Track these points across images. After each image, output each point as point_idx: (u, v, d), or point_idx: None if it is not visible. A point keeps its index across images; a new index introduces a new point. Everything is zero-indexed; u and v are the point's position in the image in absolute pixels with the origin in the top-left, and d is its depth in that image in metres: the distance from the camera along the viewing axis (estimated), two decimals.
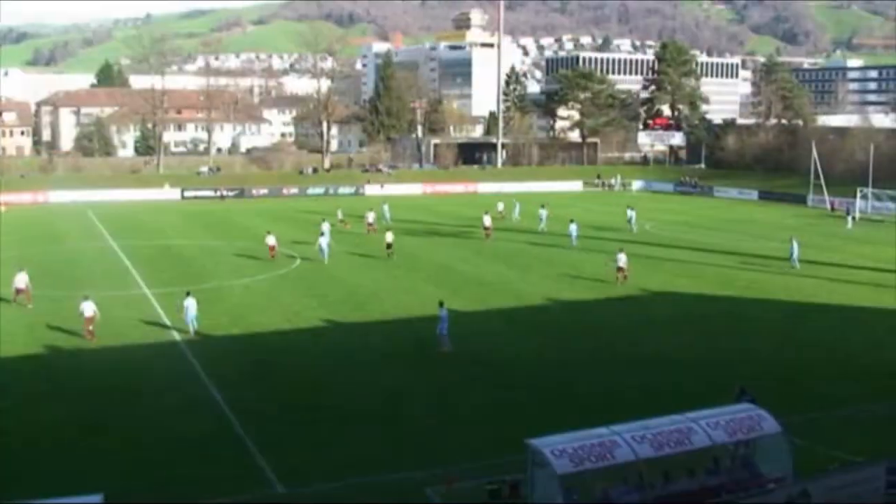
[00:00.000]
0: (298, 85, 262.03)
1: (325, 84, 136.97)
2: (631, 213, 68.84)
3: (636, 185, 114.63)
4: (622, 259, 46.50)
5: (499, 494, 19.82)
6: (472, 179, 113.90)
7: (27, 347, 34.15)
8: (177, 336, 35.83)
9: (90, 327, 35.24)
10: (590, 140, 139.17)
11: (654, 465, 18.97)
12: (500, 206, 75.11)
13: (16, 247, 61.31)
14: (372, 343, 35.06)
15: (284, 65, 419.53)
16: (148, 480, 21.85)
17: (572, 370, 31.30)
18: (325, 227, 57.75)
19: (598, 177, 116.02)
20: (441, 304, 34.26)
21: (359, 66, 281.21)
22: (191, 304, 36.34)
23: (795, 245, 51.48)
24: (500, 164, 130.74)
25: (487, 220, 63.80)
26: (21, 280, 42.09)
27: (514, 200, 77.07)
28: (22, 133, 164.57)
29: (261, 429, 25.23)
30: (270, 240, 54.28)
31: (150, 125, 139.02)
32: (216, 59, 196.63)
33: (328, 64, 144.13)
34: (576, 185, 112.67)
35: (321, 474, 22.26)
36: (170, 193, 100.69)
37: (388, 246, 55.23)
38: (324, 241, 53.61)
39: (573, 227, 59.63)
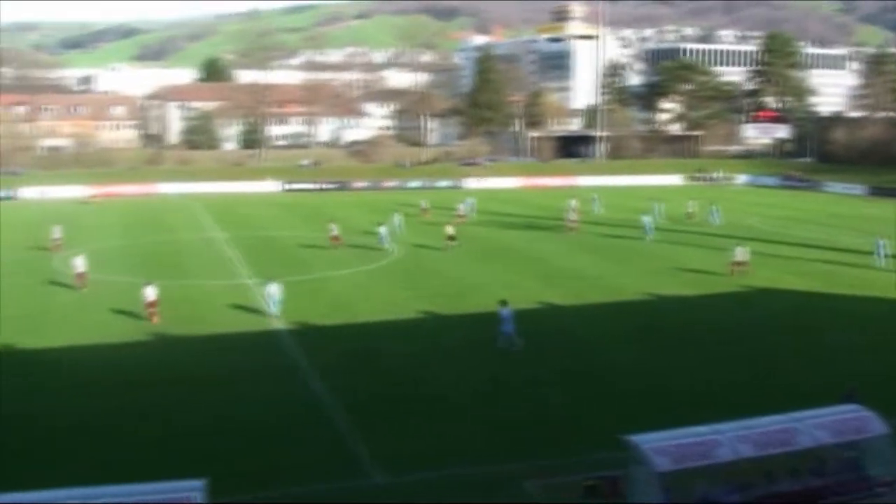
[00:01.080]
0: (398, 79, 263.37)
1: (424, 78, 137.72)
2: (713, 209, 68.19)
3: (740, 179, 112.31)
4: (740, 253, 46.45)
5: (596, 491, 19.64)
6: (570, 173, 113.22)
7: (133, 334, 35.16)
8: (278, 325, 36.46)
9: (153, 310, 36.84)
10: (692, 133, 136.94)
11: (756, 465, 18.57)
12: (573, 204, 74.59)
13: (122, 236, 63.35)
14: (468, 335, 35.10)
15: (384, 59, 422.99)
16: (246, 466, 22.25)
17: (671, 366, 30.80)
18: (396, 218, 62.01)
19: (699, 170, 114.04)
20: (503, 303, 33.88)
21: (458, 59, 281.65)
22: (275, 289, 37.74)
23: (882, 243, 50.16)
24: (599, 158, 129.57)
25: (573, 214, 64.02)
26: (79, 264, 43.57)
27: (594, 195, 76.53)
28: (130, 127, 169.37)
29: (358, 417, 25.48)
30: (333, 229, 56.20)
31: (253, 119, 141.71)
32: (318, 53, 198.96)
33: (427, 58, 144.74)
34: (677, 179, 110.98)
35: (418, 464, 22.37)
36: (272, 186, 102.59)
37: (451, 238, 55.69)
38: (384, 230, 55.88)
39: (647, 220, 60.31)
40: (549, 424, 25.23)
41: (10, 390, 28.12)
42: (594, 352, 32.67)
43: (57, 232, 56.95)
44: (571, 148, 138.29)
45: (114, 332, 35.24)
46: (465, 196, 78.51)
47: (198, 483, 15.89)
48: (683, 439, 18.25)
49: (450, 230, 56.49)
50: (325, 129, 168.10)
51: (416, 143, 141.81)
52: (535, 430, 24.71)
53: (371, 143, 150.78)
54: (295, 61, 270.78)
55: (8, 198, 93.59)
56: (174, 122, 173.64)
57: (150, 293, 37.13)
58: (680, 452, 17.76)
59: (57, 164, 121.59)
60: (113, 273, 47.83)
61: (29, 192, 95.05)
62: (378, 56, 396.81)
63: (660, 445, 17.92)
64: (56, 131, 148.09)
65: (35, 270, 48.80)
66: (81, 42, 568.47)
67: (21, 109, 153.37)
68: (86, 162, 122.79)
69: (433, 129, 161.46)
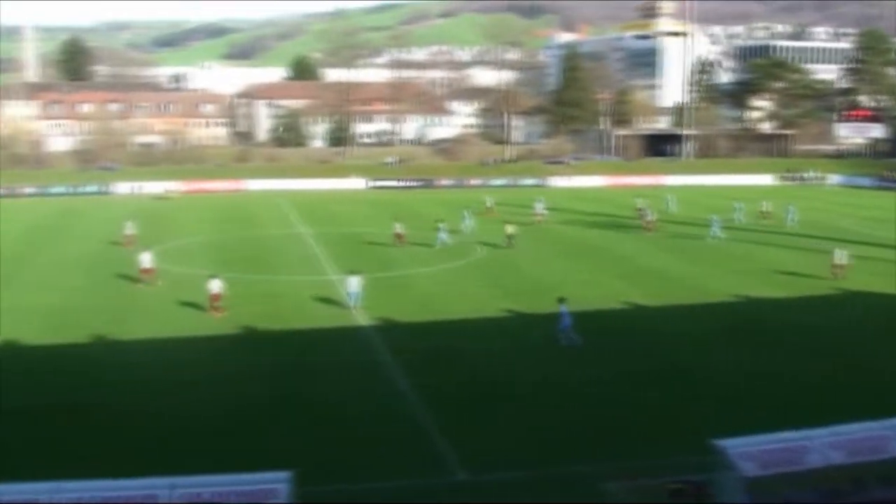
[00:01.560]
0: (483, 77, 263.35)
1: (509, 76, 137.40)
2: (791, 208, 66.95)
3: (833, 179, 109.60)
4: (839, 255, 45.63)
5: (681, 495, 19.36)
6: (657, 172, 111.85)
7: (221, 328, 35.81)
8: (364, 321, 36.76)
9: (216, 303, 37.49)
10: (783, 132, 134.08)
11: (846, 472, 18.08)
12: (640, 203, 73.70)
13: (211, 231, 64.61)
14: (551, 334, 34.84)
15: (469, 57, 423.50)
16: (330, 460, 22.48)
17: (760, 369, 30.16)
18: (467, 216, 62.86)
19: (790, 170, 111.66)
20: (562, 300, 33.94)
21: (543, 57, 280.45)
22: (354, 281, 38.59)
23: None
24: (687, 156, 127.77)
25: (649, 214, 63.15)
26: (146, 260, 44.38)
27: (667, 195, 75.40)
28: (220, 124, 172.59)
29: (442, 414, 25.55)
30: (397, 228, 56.62)
31: (340, 117, 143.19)
32: (404, 52, 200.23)
33: (512, 56, 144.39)
34: (767, 179, 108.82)
35: (501, 463, 22.34)
36: (357, 183, 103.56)
37: (510, 237, 56.06)
38: (442, 236, 55.91)
39: (715, 220, 59.55)
40: (633, 425, 24.95)
41: (96, 381, 28.91)
42: (680, 353, 32.20)
43: (129, 228, 58.21)
44: (659, 146, 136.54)
45: (200, 326, 35.94)
46: (538, 195, 77.99)
47: (283, 474, 16.08)
48: (771, 444, 17.88)
49: (509, 229, 56.61)
50: (410, 127, 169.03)
51: (501, 142, 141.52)
52: (618, 431, 24.48)
53: (456, 141, 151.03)
54: (380, 60, 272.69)
55: (102, 192, 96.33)
56: (263, 120, 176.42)
57: (215, 286, 37.73)
58: (767, 458, 17.41)
59: (149, 161, 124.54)
60: (199, 268, 48.78)
61: (122, 188, 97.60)
62: (463, 54, 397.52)
63: (747, 450, 17.58)
64: (148, 128, 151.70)
65: (118, 264, 50.10)
66: (173, 41, 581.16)
67: (115, 107, 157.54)
68: (177, 158, 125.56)
69: (518, 128, 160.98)
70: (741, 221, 66.46)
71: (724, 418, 24.60)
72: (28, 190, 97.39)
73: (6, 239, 61.23)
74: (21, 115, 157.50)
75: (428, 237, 57.87)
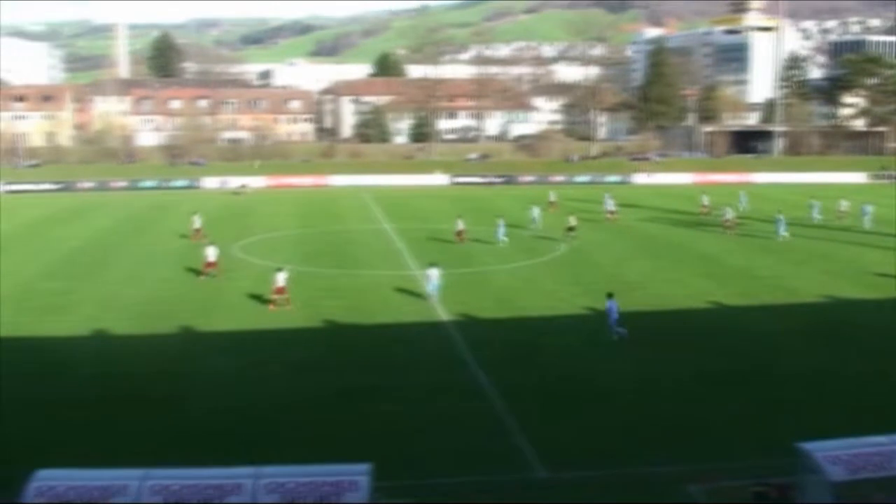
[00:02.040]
0: (567, 73, 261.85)
1: (594, 71, 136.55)
2: (867, 208, 65.02)
3: None
4: None
5: (765, 498, 19.04)
6: (745, 169, 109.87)
7: (305, 321, 36.33)
8: (444, 316, 36.93)
9: (278, 297, 37.99)
10: (877, 129, 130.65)
11: None
12: (706, 200, 72.31)
13: (295, 226, 65.57)
14: (633, 332, 34.57)
15: (554, 53, 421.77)
16: (407, 453, 22.62)
17: (850, 372, 29.44)
18: (535, 211, 62.87)
19: (883, 168, 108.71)
20: (610, 296, 33.84)
21: (629, 52, 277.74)
22: (433, 273, 39.10)
23: None
24: (776, 153, 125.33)
25: (729, 213, 61.82)
26: (211, 254, 45.05)
27: (741, 192, 73.68)
28: (306, 120, 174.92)
29: (521, 411, 25.52)
30: (460, 224, 56.35)
31: (423, 113, 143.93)
32: (487, 48, 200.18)
33: (598, 51, 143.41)
34: (859, 177, 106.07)
35: (581, 461, 22.24)
36: (440, 179, 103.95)
37: (570, 229, 57.48)
38: (500, 232, 55.73)
39: (780, 218, 58.08)
40: (714, 426, 24.60)
41: (182, 373, 29.60)
42: (764, 353, 31.62)
43: (196, 222, 59.25)
44: (747, 143, 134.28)
45: (282, 319, 36.48)
46: (607, 192, 76.98)
47: (364, 466, 16.26)
48: (860, 448, 17.45)
49: (571, 221, 58.11)
50: (494, 123, 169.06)
51: (585, 138, 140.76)
52: (698, 432, 24.15)
53: (539, 138, 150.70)
54: (464, 56, 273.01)
55: (191, 187, 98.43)
56: (347, 116, 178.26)
57: (280, 279, 38.22)
58: (856, 462, 17.00)
59: (236, 156, 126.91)
60: (283, 262, 49.52)
61: (210, 182, 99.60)
62: (547, 50, 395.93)
63: (834, 454, 17.19)
64: (236, 124, 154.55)
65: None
66: (260, 38, 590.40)
67: (203, 103, 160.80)
68: (263, 154, 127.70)
69: (602, 124, 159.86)
70: (818, 220, 64.83)
71: (809, 421, 24.10)
72: (119, 184, 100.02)
73: (98, 231, 63.08)
74: (113, 110, 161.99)
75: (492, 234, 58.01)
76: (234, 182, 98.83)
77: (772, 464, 20.26)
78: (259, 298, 40.09)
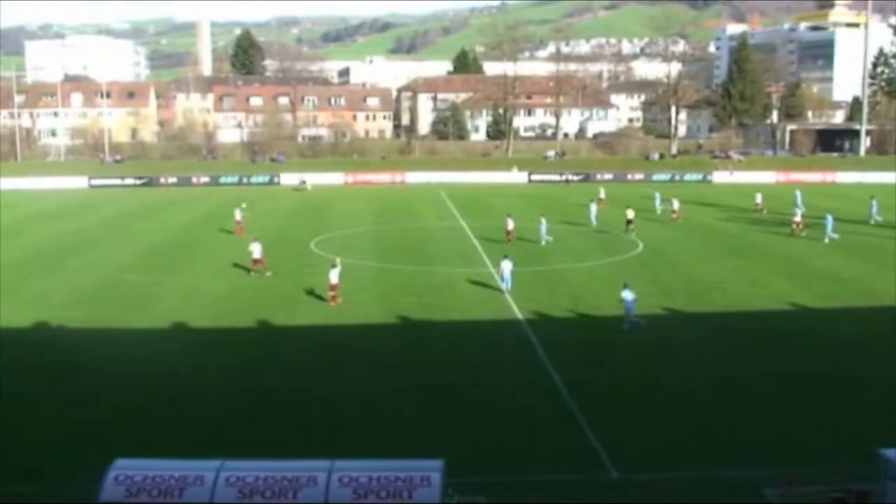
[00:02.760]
0: (648, 69, 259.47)
1: (675, 68, 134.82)
2: (872, 202, 63.78)
3: None
4: None
5: (844, 503, 18.71)
6: (830, 168, 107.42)
7: (381, 317, 36.67)
8: (518, 314, 36.93)
9: (333, 293, 38.17)
10: None
11: None
12: (759, 198, 70.74)
13: (372, 222, 66.12)
14: (710, 334, 34.22)
15: (634, 49, 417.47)
16: (483, 450, 22.73)
17: None
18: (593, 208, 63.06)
19: None
20: (625, 286, 34.91)
21: (712, 48, 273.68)
22: (506, 265, 40.17)
23: None
24: (863, 153, 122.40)
25: (797, 215, 59.68)
26: (256, 250, 45.21)
27: (796, 190, 71.18)
28: (384, 117, 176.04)
29: (595, 411, 25.43)
30: (510, 224, 55.18)
31: (501, 110, 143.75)
32: (566, 44, 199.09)
33: (679, 47, 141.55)
34: None
35: (654, 463, 22.10)
36: (517, 177, 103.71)
37: (629, 222, 58.75)
38: (543, 230, 55.04)
39: (829, 219, 56.43)
40: (793, 429, 24.22)
41: (264, 365, 30.13)
42: (847, 357, 30.97)
43: (238, 214, 60.47)
44: (832, 142, 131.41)
45: (359, 314, 36.85)
46: (661, 191, 75.57)
47: (437, 462, 16.40)
48: None
49: (630, 214, 59.24)
50: (572, 120, 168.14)
51: (665, 136, 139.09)
52: (777, 435, 23.79)
53: (617, 135, 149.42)
54: (543, 53, 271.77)
55: (271, 183, 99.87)
56: (425, 113, 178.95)
57: (333, 276, 38.23)
58: None
59: (315, 153, 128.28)
60: (359, 258, 50.07)
61: (289, 179, 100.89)
62: (627, 46, 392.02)
63: None
64: (315, 121, 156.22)
65: (283, 252, 51.94)
66: (340, 36, 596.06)
67: (284, 100, 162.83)
68: (342, 151, 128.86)
69: (683, 121, 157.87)
70: (878, 221, 63.10)
71: (891, 426, 23.56)
72: (201, 179, 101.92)
73: (180, 226, 64.40)
74: (195, 107, 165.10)
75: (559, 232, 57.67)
76: (313, 179, 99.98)
77: (852, 469, 19.93)
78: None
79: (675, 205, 66.43)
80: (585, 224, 62.08)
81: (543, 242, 54.28)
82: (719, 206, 74.92)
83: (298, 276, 44.79)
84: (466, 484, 19.26)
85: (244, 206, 63.46)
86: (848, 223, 61.12)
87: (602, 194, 77.05)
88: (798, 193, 71.86)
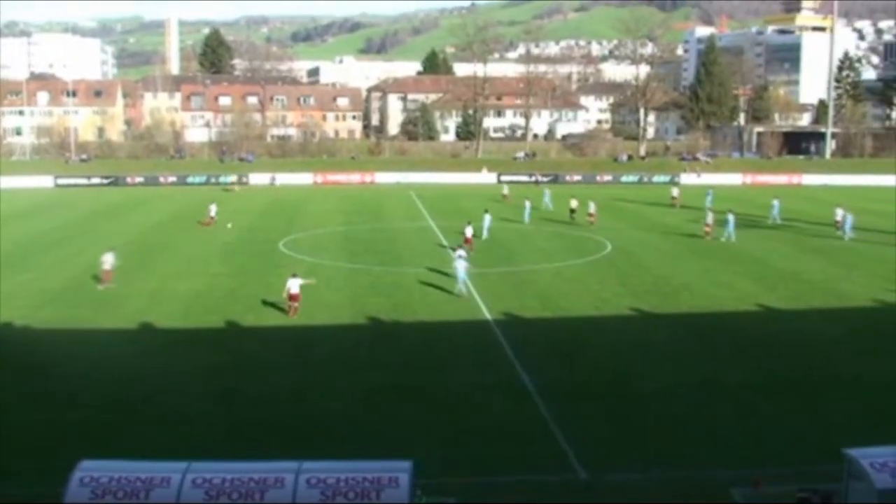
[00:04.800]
0: (617, 71, 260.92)
1: (644, 70, 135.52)
2: (774, 203, 66.39)
3: None
4: None
5: (808, 503, 18.84)
6: (797, 170, 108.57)
7: (351, 318, 36.57)
8: (487, 315, 36.96)
9: (292, 304, 36.06)
10: None
11: None
12: (675, 192, 76.10)
13: (342, 223, 65.96)
14: (678, 335, 34.41)
15: (604, 51, 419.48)
16: (451, 451, 22.71)
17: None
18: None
19: None
20: (456, 249, 41.36)
21: (680, 51, 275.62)
22: (461, 263, 40.74)
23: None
24: (828, 155, 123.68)
25: (709, 218, 58.85)
26: (108, 261, 42.47)
27: (774, 200, 71.19)
28: (353, 117, 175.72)
29: (564, 412, 25.46)
30: (468, 231, 52.88)
31: (471, 111, 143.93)
32: (536, 46, 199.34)
33: (648, 49, 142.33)
34: None
35: (624, 464, 22.14)
36: (487, 177, 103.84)
37: (572, 211, 64.32)
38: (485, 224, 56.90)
39: (847, 217, 57.36)
40: (762, 430, 24.35)
41: (235, 365, 29.95)
42: (815, 359, 31.25)
43: (213, 210, 63.32)
44: (798, 144, 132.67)
45: (327, 315, 36.71)
46: (546, 189, 75.94)
47: (406, 463, 16.35)
48: None
49: (573, 203, 64.46)
50: (541, 121, 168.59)
51: (633, 137, 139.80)
52: (745, 436, 23.94)
53: (586, 137, 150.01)
54: (513, 54, 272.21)
55: (240, 183, 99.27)
56: (395, 114, 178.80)
57: (294, 286, 36.27)
58: None
59: (284, 153, 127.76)
60: (329, 258, 49.95)
61: (258, 178, 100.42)
62: (596, 48, 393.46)
63: (882, 461, 16.96)
64: (285, 121, 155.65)
65: (252, 252, 51.73)
66: (310, 35, 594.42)
67: (253, 100, 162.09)
68: (311, 150, 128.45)
69: (651, 123, 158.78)
70: (776, 222, 64.80)
71: (857, 427, 23.79)
72: (168, 179, 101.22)
73: (148, 226, 63.89)
74: (163, 106, 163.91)
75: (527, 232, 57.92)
76: (282, 179, 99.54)
77: (818, 470, 20.07)
78: (304, 294, 40.34)
79: (592, 208, 64.61)
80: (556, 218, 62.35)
81: (485, 236, 55.49)
82: (688, 207, 75.37)
83: (266, 277, 44.57)
84: (435, 485, 19.23)
85: (214, 203, 64.23)
86: (814, 225, 61.75)
87: (506, 190, 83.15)
88: (710, 194, 72.86)
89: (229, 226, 61.35)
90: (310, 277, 38.39)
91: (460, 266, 40.42)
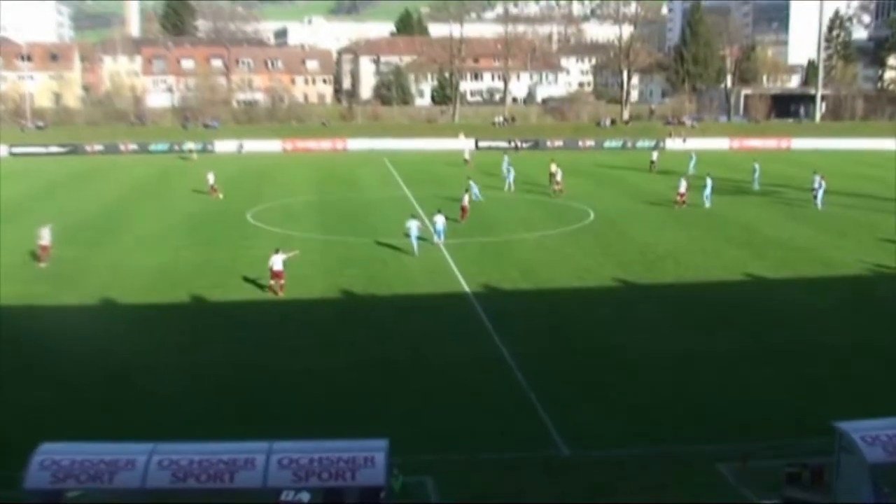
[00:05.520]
0: (599, 31, 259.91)
1: (627, 30, 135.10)
2: (755, 166, 66.85)
3: None
4: None
5: (798, 479, 19.03)
6: (785, 134, 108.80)
7: (324, 291, 36.52)
8: (466, 287, 36.99)
9: (280, 281, 35.36)
10: None
11: None
12: (655, 156, 76.52)
13: (313, 192, 65.69)
14: (663, 306, 34.57)
15: (585, 10, 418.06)
16: (428, 429, 22.82)
17: (889, 350, 29.32)
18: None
19: None
20: (413, 216, 44.18)
21: (665, 10, 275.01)
22: (439, 218, 43.72)
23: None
24: (818, 119, 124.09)
25: (683, 187, 58.21)
26: (45, 236, 41.92)
27: (755, 163, 71.14)
28: (324, 81, 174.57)
29: (546, 387, 25.60)
30: (465, 199, 52.56)
31: (447, 74, 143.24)
32: (515, 5, 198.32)
33: (631, 9, 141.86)
34: None
35: (607, 439, 22.31)
36: (464, 143, 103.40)
37: (552, 175, 63.88)
38: (473, 192, 56.61)
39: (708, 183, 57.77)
40: (750, 404, 24.57)
41: (206, 339, 29.86)
42: (804, 329, 31.50)
43: (211, 178, 62.64)
44: (787, 107, 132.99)
45: (298, 289, 36.58)
46: (554, 158, 73.70)
47: (381, 442, 16.36)
48: None
49: (553, 167, 64.23)
50: (521, 84, 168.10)
51: (616, 101, 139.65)
52: (732, 410, 24.15)
53: (568, 100, 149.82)
54: (490, 14, 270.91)
55: (205, 150, 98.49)
56: (367, 77, 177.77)
57: (276, 262, 35.53)
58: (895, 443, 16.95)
59: (251, 118, 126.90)
60: (301, 230, 49.78)
61: (224, 146, 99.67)
62: (577, 7, 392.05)
63: (873, 434, 17.12)
64: (251, 85, 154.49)
65: (219, 225, 51.50)
66: None
67: (217, 63, 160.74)
68: (279, 116, 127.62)
69: (635, 86, 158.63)
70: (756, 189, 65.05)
71: (847, 400, 24.04)
72: (129, 147, 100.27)
73: (108, 197, 63.36)
74: (123, 70, 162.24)
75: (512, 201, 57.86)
76: (250, 146, 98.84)
77: (807, 444, 20.28)
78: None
79: (559, 175, 63.52)
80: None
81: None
82: (673, 173, 75.42)
83: (234, 250, 44.40)
84: (412, 464, 19.30)
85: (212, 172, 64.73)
86: (802, 191, 62.00)
87: (468, 155, 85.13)
88: (693, 159, 73.35)
89: (221, 196, 60.92)
90: (292, 250, 37.93)
91: (438, 221, 43.46)
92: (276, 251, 36.16)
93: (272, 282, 35.84)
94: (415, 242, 42.62)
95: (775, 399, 24.96)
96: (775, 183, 67.32)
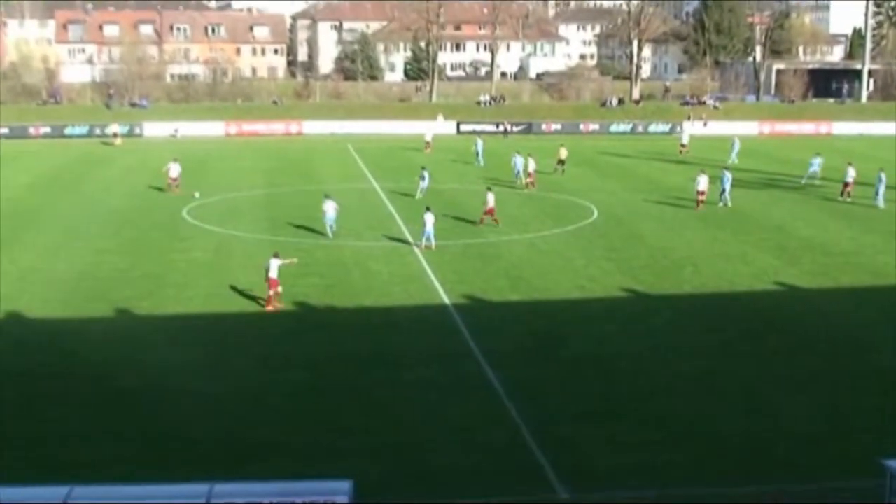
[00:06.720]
0: None
1: None
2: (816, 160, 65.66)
3: None
4: None
5: None
6: (825, 117, 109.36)
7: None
8: (445, 298, 37.06)
9: (269, 291, 35.57)
10: None
11: None
12: (685, 138, 75.34)
13: (262, 184, 65.69)
14: (681, 321, 34.74)
15: None
16: (404, 467, 22.87)
17: None
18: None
19: None
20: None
21: None
22: (429, 218, 44.31)
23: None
24: (864, 98, 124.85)
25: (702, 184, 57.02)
26: (273, 268, 42.94)
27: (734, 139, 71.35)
28: (275, 51, 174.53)
29: (541, 418, 25.66)
30: (490, 199, 51.35)
31: (423, 44, 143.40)
32: None
33: None
34: None
35: (612, 480, 22.35)
36: (444, 126, 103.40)
37: (560, 162, 68.39)
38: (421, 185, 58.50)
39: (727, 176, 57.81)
40: (780, 438, 24.72)
41: (124, 360, 29.80)
42: (845, 350, 31.73)
43: (174, 170, 61.34)
44: (829, 85, 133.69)
45: (244, 301, 36.59)
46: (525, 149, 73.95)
47: (344, 484, 16.44)
48: None
49: (563, 153, 68.20)
50: (511, 56, 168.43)
51: (624, 77, 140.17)
52: (760, 444, 24.28)
53: (567, 76, 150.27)
54: None
55: (132, 134, 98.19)
56: (327, 47, 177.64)
57: (272, 268, 35.39)
58: None
59: (188, 96, 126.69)
60: (247, 230, 49.75)
61: (156, 129, 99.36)
62: None
63: None
64: (188, 56, 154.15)
65: (149, 223, 51.41)
66: None
67: (148, 30, 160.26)
68: (222, 94, 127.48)
69: (647, 59, 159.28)
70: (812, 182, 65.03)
71: (894, 433, 24.28)
72: (41, 130, 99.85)
73: (10, 190, 62.97)
74: (33, 37, 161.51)
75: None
76: (186, 129, 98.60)
77: (852, 486, 20.41)
78: (216, 273, 40.22)
79: (532, 165, 63.13)
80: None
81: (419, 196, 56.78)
82: (690, 164, 75.83)
83: (167, 253, 44.34)
84: None
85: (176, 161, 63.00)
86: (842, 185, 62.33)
87: (429, 137, 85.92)
88: (735, 145, 73.40)
89: (197, 195, 59.60)
90: (290, 257, 37.70)
91: (428, 220, 44.26)
92: (275, 255, 36.04)
93: (271, 292, 35.72)
94: (330, 225, 46.74)
95: (812, 432, 25.12)
96: (813, 175, 67.67)
